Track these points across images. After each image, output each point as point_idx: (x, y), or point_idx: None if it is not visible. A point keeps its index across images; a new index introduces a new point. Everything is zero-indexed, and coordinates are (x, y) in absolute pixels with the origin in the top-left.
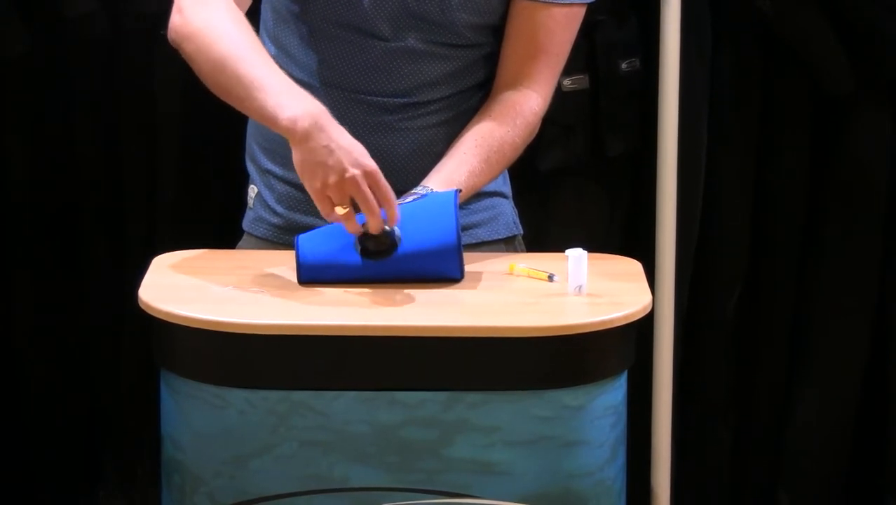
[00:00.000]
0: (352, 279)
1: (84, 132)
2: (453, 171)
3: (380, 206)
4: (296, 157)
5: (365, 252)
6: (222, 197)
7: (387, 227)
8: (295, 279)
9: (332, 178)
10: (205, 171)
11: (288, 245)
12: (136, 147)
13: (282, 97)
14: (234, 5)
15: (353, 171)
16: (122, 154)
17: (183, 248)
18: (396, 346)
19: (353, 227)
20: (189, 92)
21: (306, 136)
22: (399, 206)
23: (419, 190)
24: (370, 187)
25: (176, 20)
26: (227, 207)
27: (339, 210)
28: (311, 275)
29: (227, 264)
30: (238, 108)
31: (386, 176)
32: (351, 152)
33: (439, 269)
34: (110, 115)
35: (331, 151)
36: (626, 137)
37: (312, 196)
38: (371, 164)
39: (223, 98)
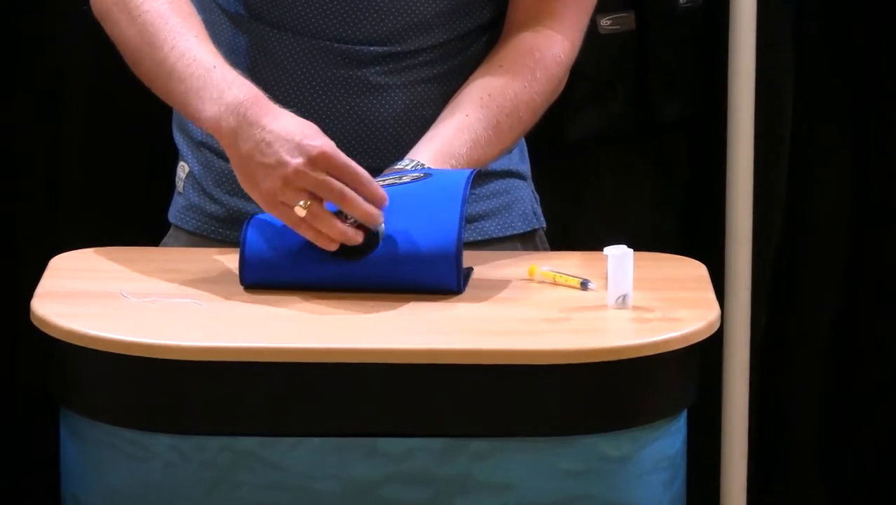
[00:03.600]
0: (317, 285)
1: None
2: (451, 141)
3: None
4: (232, 164)
5: (335, 249)
6: (141, 178)
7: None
8: (239, 284)
9: (275, 181)
10: (119, 144)
11: (230, 242)
12: (30, 114)
13: (202, 91)
14: None
15: (295, 162)
16: (12, 123)
17: (90, 244)
18: (376, 376)
19: (333, 233)
20: (100, 37)
21: (234, 137)
22: (385, 188)
23: (404, 165)
24: (330, 172)
25: None
26: (147, 192)
27: (299, 210)
28: (262, 277)
29: (149, 267)
30: (179, 111)
31: (363, 152)
32: (289, 139)
33: (431, 276)
34: None
35: (267, 146)
36: (684, 97)
37: (265, 209)
38: (316, 144)
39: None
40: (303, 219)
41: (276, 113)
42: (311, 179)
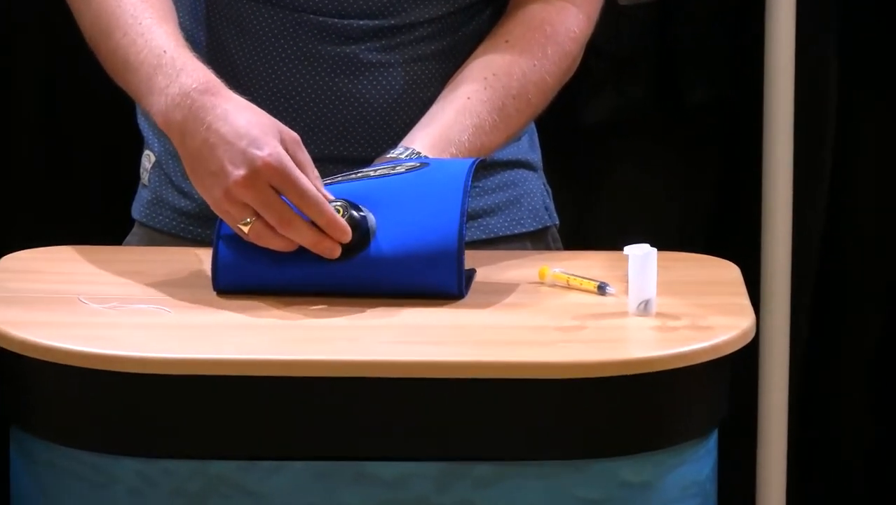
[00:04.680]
0: (299, 289)
1: None
2: (450, 126)
3: (300, 207)
4: (183, 163)
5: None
6: (102, 168)
7: (353, 212)
8: (211, 289)
9: (218, 191)
10: (75, 130)
11: (201, 242)
12: None
13: (151, 81)
14: None
15: (237, 173)
16: None
17: (43, 243)
18: (366, 392)
19: (279, 242)
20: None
21: (182, 134)
22: (374, 180)
23: (398, 153)
24: (277, 187)
25: None
26: (108, 184)
27: (242, 227)
28: (237, 281)
29: (110, 268)
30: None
31: (351, 140)
32: (234, 143)
33: (429, 278)
34: None
35: (210, 150)
36: (714, 78)
37: (218, 213)
38: (261, 153)
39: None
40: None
41: (226, 107)
42: (250, 195)
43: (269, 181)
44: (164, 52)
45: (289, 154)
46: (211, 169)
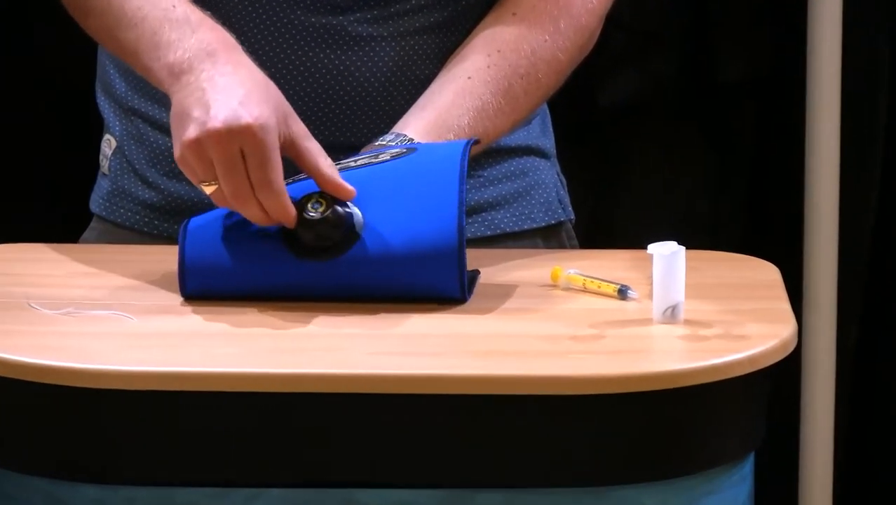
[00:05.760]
0: (278, 294)
1: None
2: (448, 109)
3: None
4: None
5: (299, 247)
6: (56, 155)
7: (337, 207)
8: (178, 293)
9: (192, 131)
10: (25, 111)
11: (167, 238)
12: None
13: (160, 35)
14: None
15: (216, 124)
16: None
17: None
18: (355, 410)
19: (254, 213)
20: None
21: (185, 73)
22: (356, 171)
23: (386, 140)
24: (249, 156)
25: None
26: (63, 173)
27: (204, 187)
28: (207, 285)
29: (64, 269)
30: (127, 62)
31: (339, 123)
32: (229, 97)
33: (425, 280)
34: None
35: (202, 93)
36: (750, 56)
37: (178, 163)
38: (248, 114)
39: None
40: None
41: (244, 63)
42: (218, 152)
43: (241, 145)
44: (174, 6)
45: (286, 127)
46: (194, 113)
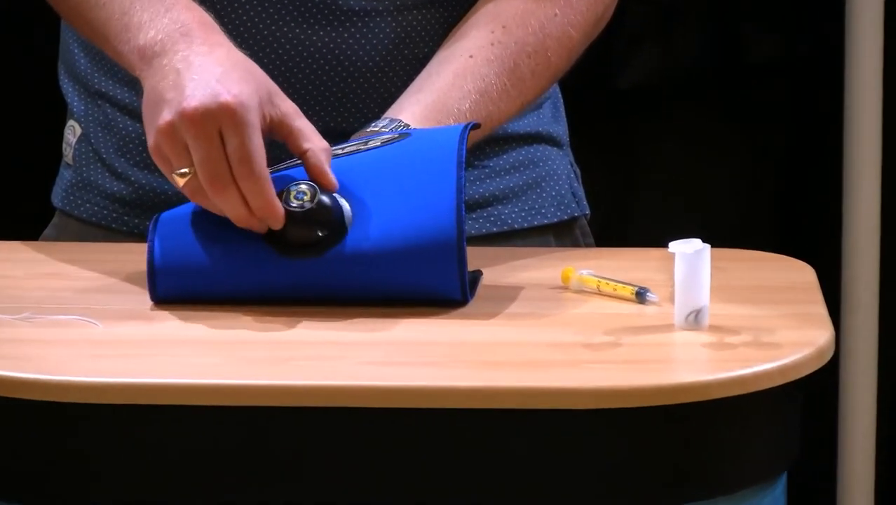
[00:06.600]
0: (258, 296)
1: None
2: (447, 92)
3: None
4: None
5: (281, 243)
6: (14, 144)
7: (324, 197)
8: (147, 296)
9: (166, 115)
10: None
11: (136, 235)
12: None
13: (131, 15)
14: None
15: (191, 102)
16: None
17: None
18: (346, 425)
19: (233, 205)
20: None
21: (157, 56)
22: (343, 160)
23: (381, 125)
24: (230, 133)
25: None
26: (22, 163)
27: (178, 177)
28: (180, 288)
29: (23, 270)
30: (102, 48)
31: (331, 105)
32: (207, 73)
33: (422, 280)
34: None
35: (176, 75)
36: (783, 32)
37: (151, 154)
38: (227, 92)
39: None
40: (179, 183)
41: (222, 43)
42: (193, 133)
43: (220, 125)
44: None
45: (271, 107)
46: (167, 96)
